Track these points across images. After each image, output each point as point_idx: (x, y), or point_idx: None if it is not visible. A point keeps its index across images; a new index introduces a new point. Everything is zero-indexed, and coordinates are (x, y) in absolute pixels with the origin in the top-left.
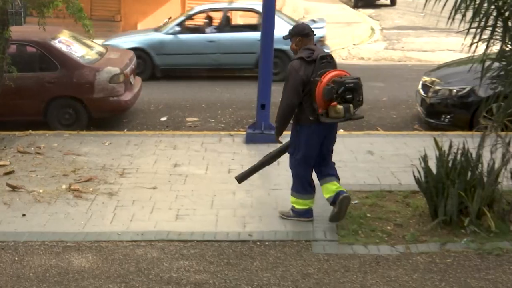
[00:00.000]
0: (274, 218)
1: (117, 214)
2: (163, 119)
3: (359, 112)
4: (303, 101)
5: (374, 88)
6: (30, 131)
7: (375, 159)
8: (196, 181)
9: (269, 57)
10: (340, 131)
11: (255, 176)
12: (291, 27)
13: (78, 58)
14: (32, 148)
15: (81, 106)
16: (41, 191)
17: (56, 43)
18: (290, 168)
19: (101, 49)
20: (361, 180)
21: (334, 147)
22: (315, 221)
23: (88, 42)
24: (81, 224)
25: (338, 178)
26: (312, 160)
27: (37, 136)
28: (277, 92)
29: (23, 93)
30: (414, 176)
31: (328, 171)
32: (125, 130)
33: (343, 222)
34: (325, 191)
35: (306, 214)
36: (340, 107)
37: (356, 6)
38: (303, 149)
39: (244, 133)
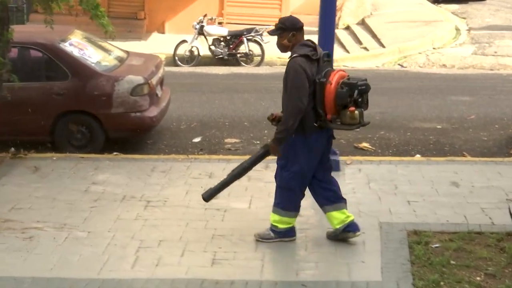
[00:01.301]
0: (333, 264)
1: (140, 257)
2: (197, 140)
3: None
4: None
5: (459, 103)
6: (24, 152)
7: (461, 192)
8: (237, 218)
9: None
10: (417, 157)
11: (310, 213)
12: None
13: (92, 64)
14: (36, 175)
15: (96, 123)
16: (47, 227)
17: (66, 46)
18: (277, 181)
19: (121, 54)
20: (443, 219)
21: (410, 177)
22: (385, 269)
23: (106, 45)
24: (96, 269)
25: (345, 202)
26: (311, 174)
27: (42, 160)
28: None
29: (26, 107)
30: (511, 214)
31: (335, 196)
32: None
33: (420, 271)
34: (334, 220)
35: (290, 233)
36: (357, 112)
37: (436, 0)
38: (302, 161)
39: None
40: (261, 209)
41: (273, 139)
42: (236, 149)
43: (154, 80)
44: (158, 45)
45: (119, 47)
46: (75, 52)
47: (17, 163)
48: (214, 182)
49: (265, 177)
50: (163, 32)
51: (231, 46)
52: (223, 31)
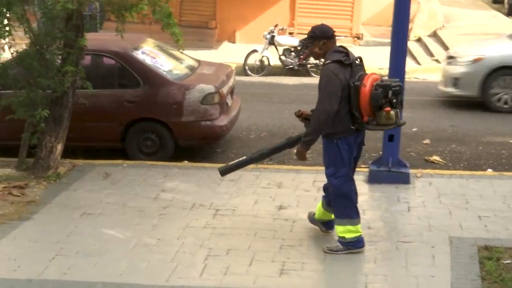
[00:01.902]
0: (402, 277)
1: (208, 265)
2: None
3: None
4: (339, 109)
5: None
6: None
7: None
8: (305, 228)
9: (400, 75)
10: (489, 171)
11: (379, 224)
12: None
13: (164, 73)
14: (107, 181)
15: (167, 131)
16: (117, 233)
17: (138, 55)
18: (333, 191)
19: (193, 63)
20: None
21: (482, 192)
22: (455, 284)
23: (177, 53)
24: (164, 276)
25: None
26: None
27: (113, 167)
28: (407, 119)
29: (98, 114)
30: None
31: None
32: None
33: (491, 287)
34: (319, 212)
35: (359, 243)
36: (393, 112)
37: (510, 13)
38: (347, 164)
39: (366, 170)
40: None
41: (300, 143)
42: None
43: (224, 89)
44: (229, 54)
45: (190, 56)
46: (147, 60)
47: (88, 169)
48: (283, 192)
49: None
50: (233, 42)
51: (301, 56)
52: (294, 41)
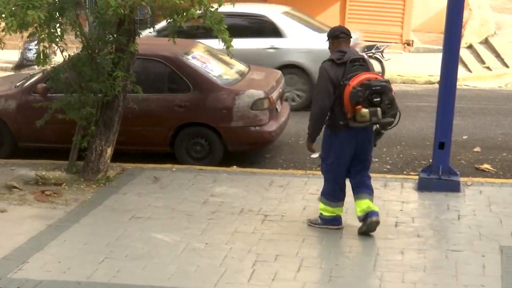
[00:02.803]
0: (451, 286)
1: (256, 270)
2: (315, 156)
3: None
4: (334, 106)
5: None
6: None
7: None
8: (355, 235)
9: (452, 82)
10: None
11: (429, 232)
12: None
13: (214, 78)
14: (156, 185)
15: (216, 136)
16: (166, 237)
17: (189, 59)
18: (322, 173)
19: (242, 68)
20: None
21: None
22: None
23: (227, 58)
24: (212, 281)
25: (371, 193)
26: (344, 167)
27: (162, 171)
28: (457, 127)
29: (148, 118)
30: None
31: (361, 186)
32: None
33: None
34: (357, 207)
35: (333, 222)
36: (365, 110)
37: None
38: (333, 156)
39: (416, 177)
40: (380, 227)
41: (307, 137)
42: None
43: (274, 95)
44: None
45: (240, 61)
46: (198, 65)
47: (137, 173)
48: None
49: (383, 195)
50: None
51: None
52: None
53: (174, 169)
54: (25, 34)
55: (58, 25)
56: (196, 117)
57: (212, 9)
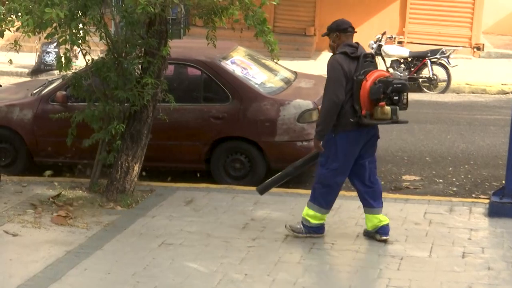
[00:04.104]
0: None
1: None
2: None
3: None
4: (343, 103)
5: None
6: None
7: None
8: (415, 267)
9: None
10: None
11: (501, 265)
12: None
13: (256, 86)
14: (189, 208)
15: (257, 152)
16: (200, 266)
17: (228, 65)
18: (316, 179)
19: (288, 75)
20: None
21: None
22: None
23: (271, 64)
24: None
25: (381, 205)
26: (349, 170)
27: (196, 191)
28: None
29: (180, 131)
30: None
31: (377, 198)
32: None
33: None
34: (368, 222)
35: (320, 230)
36: (388, 108)
37: None
38: (341, 159)
39: (487, 201)
40: (444, 258)
41: (315, 135)
42: (415, 187)
43: None
44: None
45: (285, 66)
46: (238, 71)
47: (168, 193)
48: (390, 225)
49: (449, 221)
50: None
51: (412, 69)
52: (404, 51)
53: (210, 190)
54: (43, 35)
55: (80, 25)
56: (235, 131)
57: (255, 8)
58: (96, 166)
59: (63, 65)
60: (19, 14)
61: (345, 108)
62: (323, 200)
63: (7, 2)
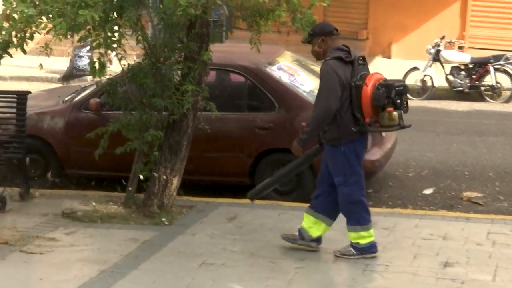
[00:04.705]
0: None
1: None
2: (428, 191)
3: None
4: (341, 111)
5: None
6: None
7: None
8: None
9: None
10: None
11: None
12: None
13: (304, 94)
14: (232, 225)
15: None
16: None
17: (273, 71)
18: (343, 201)
19: None
20: None
21: None
22: None
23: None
24: None
25: (335, 219)
26: (363, 179)
27: (239, 207)
28: None
29: (223, 142)
30: None
31: (334, 209)
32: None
33: None
34: (317, 226)
35: (373, 248)
36: (395, 113)
37: None
38: (356, 169)
39: None
40: (509, 282)
41: (297, 139)
42: (478, 205)
43: None
44: (383, 72)
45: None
46: (284, 78)
47: (210, 209)
48: (449, 245)
49: None
50: (389, 56)
51: (474, 76)
52: (465, 57)
53: (254, 205)
54: (76, 38)
55: (115, 27)
56: (282, 142)
57: (303, 9)
58: (132, 179)
59: (97, 71)
60: (50, 16)
61: (345, 117)
62: (360, 217)
63: (37, 3)
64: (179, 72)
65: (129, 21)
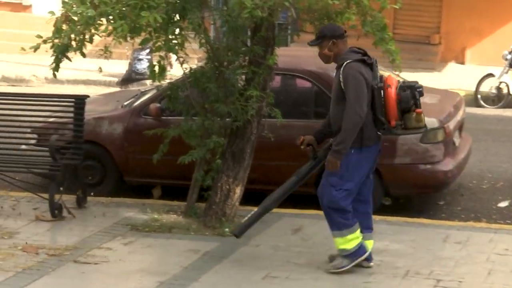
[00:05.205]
0: None
1: None
2: (503, 204)
3: None
4: None
5: None
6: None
7: None
8: None
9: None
10: None
11: None
12: None
13: None
14: (297, 236)
15: (374, 175)
16: None
17: None
18: (325, 202)
19: None
20: None
21: None
22: None
23: (390, 75)
24: None
25: (372, 230)
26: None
27: (304, 218)
28: None
29: (288, 151)
30: None
31: (367, 222)
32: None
33: None
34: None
35: (361, 250)
36: (423, 114)
37: None
38: (357, 178)
39: None
40: None
41: (331, 153)
42: None
43: (451, 125)
44: (456, 78)
45: (406, 79)
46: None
47: (273, 220)
48: None
49: None
50: (462, 62)
51: None
52: None
53: (320, 216)
54: (136, 41)
55: (177, 30)
56: None
57: (373, 13)
58: (192, 188)
59: (157, 74)
60: (111, 18)
61: (366, 121)
62: (344, 221)
63: (96, 4)
64: (243, 76)
65: (192, 24)
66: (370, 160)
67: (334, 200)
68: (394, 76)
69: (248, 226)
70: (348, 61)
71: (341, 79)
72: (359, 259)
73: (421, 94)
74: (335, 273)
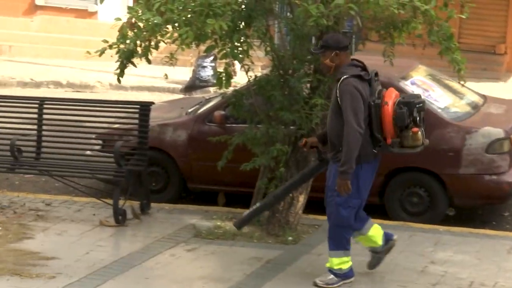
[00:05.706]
0: None
1: None
2: None
3: None
4: None
5: None
6: None
7: None
8: None
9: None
10: None
11: None
12: None
13: (439, 110)
14: (359, 246)
15: (439, 185)
16: None
17: (407, 86)
18: (334, 223)
19: (476, 99)
20: None
21: None
22: None
23: (456, 86)
24: None
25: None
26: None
27: None
28: None
29: None
30: None
31: (363, 214)
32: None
33: None
34: (369, 239)
35: (351, 272)
36: (420, 133)
37: None
38: (363, 194)
39: None
40: None
41: (339, 175)
42: None
43: None
44: None
45: (472, 89)
46: (419, 93)
47: None
48: None
49: None
50: None
51: None
52: None
53: (383, 226)
54: (201, 48)
55: (243, 37)
56: (414, 161)
57: (440, 22)
58: (256, 195)
59: (224, 82)
60: (176, 24)
61: (364, 138)
62: (346, 242)
63: (162, 11)
64: (308, 85)
65: (257, 31)
66: (372, 174)
67: (344, 219)
68: (396, 92)
69: (248, 220)
70: (345, 76)
71: (337, 95)
72: (348, 281)
73: (422, 109)
74: (322, 287)
